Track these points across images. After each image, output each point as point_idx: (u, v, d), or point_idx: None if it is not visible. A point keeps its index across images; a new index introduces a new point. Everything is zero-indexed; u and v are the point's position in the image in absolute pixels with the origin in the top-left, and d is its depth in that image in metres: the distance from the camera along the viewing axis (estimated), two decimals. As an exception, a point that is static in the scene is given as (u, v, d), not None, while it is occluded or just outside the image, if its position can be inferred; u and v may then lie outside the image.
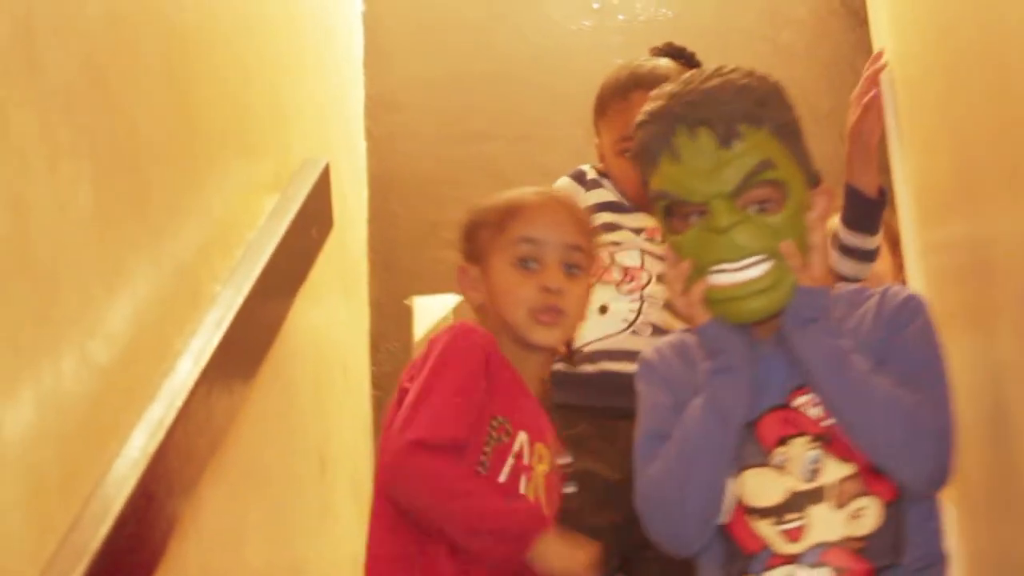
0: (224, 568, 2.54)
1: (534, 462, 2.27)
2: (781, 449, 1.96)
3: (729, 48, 4.42)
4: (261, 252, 2.75)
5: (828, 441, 1.94)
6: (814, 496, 1.92)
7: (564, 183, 3.01)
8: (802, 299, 1.96)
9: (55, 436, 1.88)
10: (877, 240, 2.85)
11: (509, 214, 2.37)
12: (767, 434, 1.97)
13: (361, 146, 4.37)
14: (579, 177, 3.01)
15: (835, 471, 1.92)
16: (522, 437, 2.27)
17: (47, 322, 1.88)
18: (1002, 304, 2.02)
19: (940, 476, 1.93)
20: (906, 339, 1.97)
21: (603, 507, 2.48)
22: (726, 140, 1.95)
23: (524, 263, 2.33)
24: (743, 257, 1.95)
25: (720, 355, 2.00)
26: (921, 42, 2.58)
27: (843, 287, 2.13)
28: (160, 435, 2.11)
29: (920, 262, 2.78)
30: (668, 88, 2.02)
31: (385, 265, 4.30)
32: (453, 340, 2.30)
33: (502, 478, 2.24)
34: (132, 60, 2.30)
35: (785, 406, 1.98)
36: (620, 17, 4.43)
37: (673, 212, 2.00)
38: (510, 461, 2.24)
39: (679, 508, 1.99)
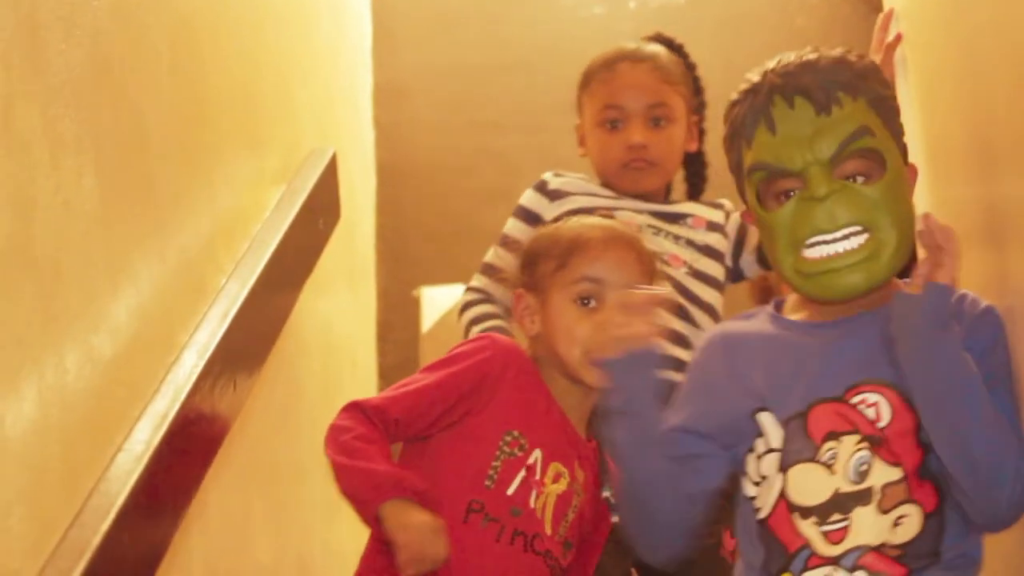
0: (229, 563, 2.54)
1: (547, 480, 2.27)
2: (830, 444, 1.92)
3: (742, 33, 4.42)
4: (267, 244, 2.74)
5: (878, 443, 1.91)
6: (860, 498, 1.89)
7: (529, 196, 2.95)
8: (937, 299, 1.88)
9: (58, 430, 1.88)
10: None
11: (573, 250, 2.35)
12: (817, 427, 1.93)
13: (369, 135, 4.37)
14: (542, 188, 2.95)
15: (883, 475, 1.89)
16: (537, 453, 2.27)
17: (51, 316, 1.88)
18: (1014, 267, 1.98)
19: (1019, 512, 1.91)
20: (994, 366, 1.93)
21: (613, 511, 2.47)
22: (824, 106, 1.93)
23: (584, 301, 2.32)
24: (840, 227, 1.92)
25: (617, 394, 1.99)
26: (935, 24, 2.57)
27: None
28: (164, 429, 2.10)
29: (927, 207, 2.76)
30: (762, 65, 2.02)
31: (393, 256, 4.30)
32: (470, 343, 2.33)
33: (511, 490, 2.24)
34: (138, 52, 2.29)
35: (841, 399, 1.94)
36: (631, 4, 4.42)
37: (766, 190, 1.97)
38: (521, 474, 2.25)
39: (641, 524, 2.04)
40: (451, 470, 2.20)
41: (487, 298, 2.83)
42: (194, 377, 2.23)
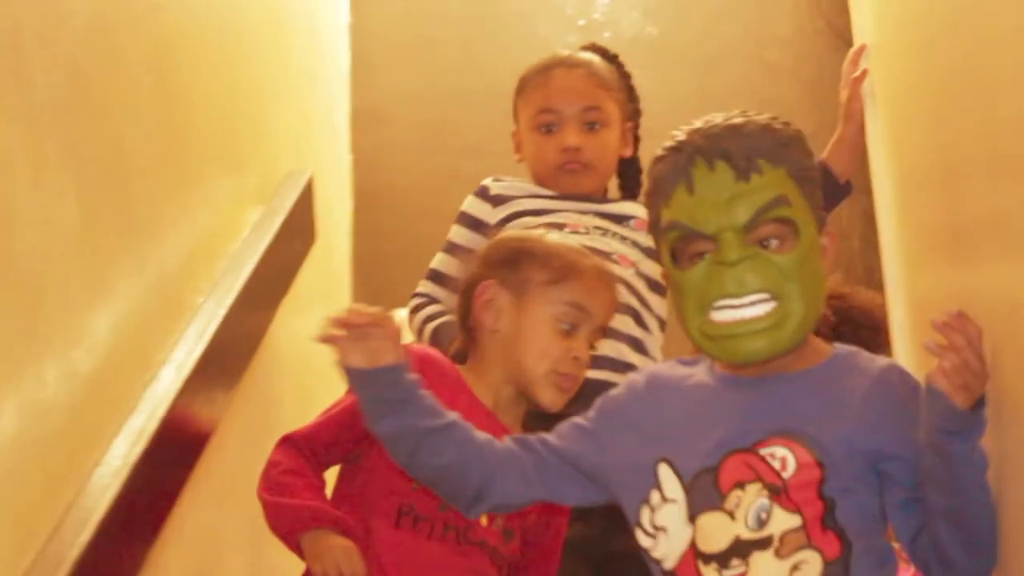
0: (205, 577, 2.55)
1: None
2: (736, 493, 1.93)
3: (715, 66, 4.45)
4: (244, 264, 2.76)
5: (778, 492, 1.92)
6: (758, 544, 1.91)
7: (470, 201, 2.98)
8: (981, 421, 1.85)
9: (37, 445, 1.89)
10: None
11: (570, 274, 2.39)
12: (727, 478, 1.94)
13: (346, 158, 4.39)
14: (483, 194, 2.98)
15: (782, 522, 1.91)
16: None
17: (31, 332, 1.90)
18: (984, 289, 2.00)
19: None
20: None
21: (575, 520, 2.50)
22: (744, 173, 1.93)
23: (565, 324, 2.37)
24: (748, 293, 1.92)
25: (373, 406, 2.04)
26: (908, 61, 2.61)
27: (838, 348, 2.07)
28: (142, 444, 2.13)
29: (897, 237, 2.79)
30: (689, 125, 2.03)
31: (369, 277, 4.32)
32: None
33: None
34: (119, 72, 2.31)
35: (750, 450, 1.95)
36: (606, 35, 4.45)
37: (679, 250, 1.98)
38: None
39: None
40: (379, 480, 2.24)
41: (432, 300, 2.85)
42: (172, 393, 2.26)
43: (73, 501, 1.97)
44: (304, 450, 2.32)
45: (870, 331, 3.40)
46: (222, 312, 2.54)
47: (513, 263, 2.40)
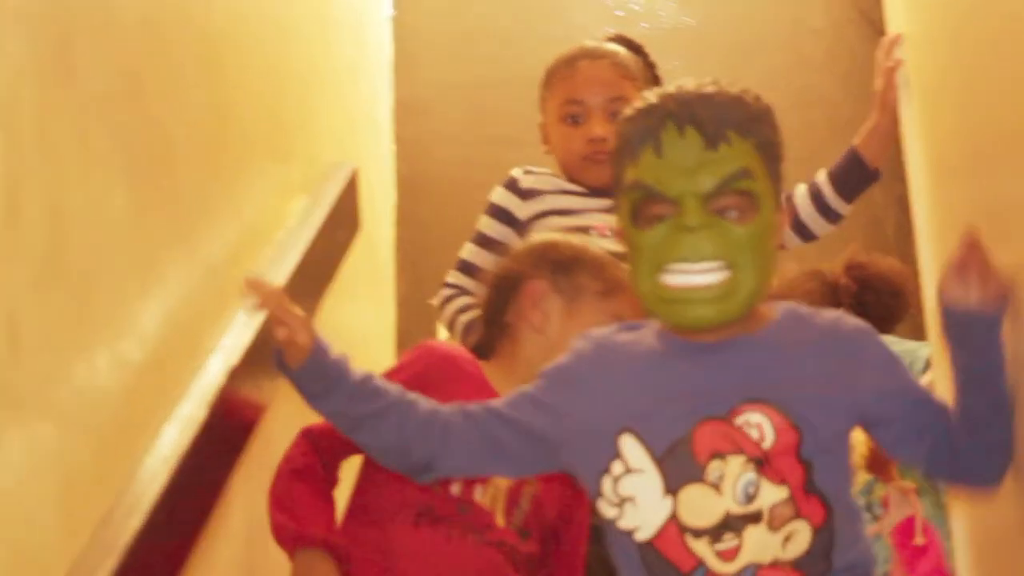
0: (252, 563, 2.58)
1: None
2: (716, 464, 1.93)
3: (750, 56, 4.47)
4: (290, 253, 2.79)
5: (763, 464, 1.94)
6: (751, 518, 1.91)
7: (499, 193, 3.00)
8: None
9: (88, 432, 1.92)
10: (849, 210, 2.90)
11: (619, 288, 2.42)
12: (702, 447, 1.94)
13: (390, 149, 4.41)
14: (512, 186, 3.00)
15: (770, 495, 1.91)
16: None
17: (82, 322, 1.93)
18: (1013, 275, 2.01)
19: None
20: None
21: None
22: (713, 142, 1.94)
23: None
24: (703, 260, 1.93)
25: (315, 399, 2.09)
26: (939, 50, 2.61)
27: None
28: (190, 432, 2.15)
29: (930, 223, 2.80)
30: (661, 89, 2.03)
31: (412, 266, 4.35)
32: (409, 353, 2.46)
33: (455, 489, 2.34)
34: (167, 66, 2.34)
35: (725, 419, 1.95)
36: (643, 25, 4.46)
37: (640, 210, 1.97)
38: None
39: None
40: (396, 479, 2.22)
41: (463, 293, 2.87)
42: (220, 381, 2.28)
43: (123, 488, 1.99)
44: (321, 444, 2.36)
45: (891, 296, 3.42)
46: (269, 301, 2.56)
47: (567, 269, 2.42)
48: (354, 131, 3.93)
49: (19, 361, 1.73)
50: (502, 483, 2.35)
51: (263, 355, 2.48)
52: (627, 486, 1.96)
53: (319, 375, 2.04)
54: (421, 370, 2.35)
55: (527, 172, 2.99)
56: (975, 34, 2.22)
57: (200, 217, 2.45)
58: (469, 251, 2.93)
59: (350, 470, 2.47)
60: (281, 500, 2.33)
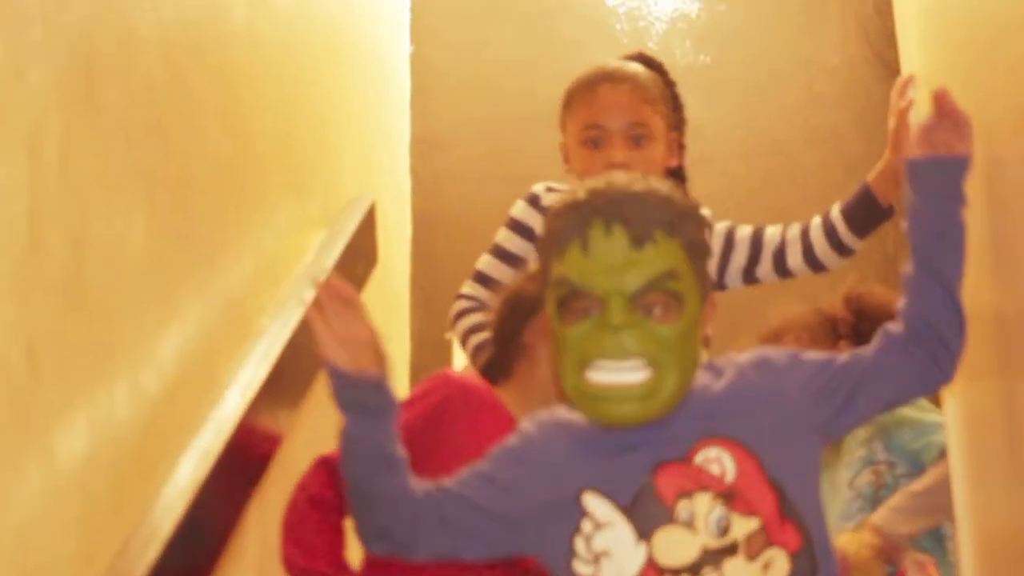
0: (267, 595, 2.58)
1: None
2: (684, 503, 1.94)
3: (765, 94, 4.48)
4: (308, 287, 2.80)
5: (731, 498, 1.94)
6: (727, 551, 1.92)
7: (520, 207, 3.01)
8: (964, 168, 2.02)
9: (107, 463, 1.93)
10: (862, 244, 2.91)
11: None
12: (667, 489, 1.95)
13: (406, 185, 4.43)
14: (534, 202, 3.02)
15: (742, 527, 1.92)
16: None
17: (101, 353, 1.94)
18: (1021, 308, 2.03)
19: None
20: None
21: None
22: (639, 241, 1.94)
23: None
24: (626, 358, 1.93)
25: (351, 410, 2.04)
26: (952, 90, 2.63)
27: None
28: (208, 463, 2.16)
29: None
30: (589, 185, 2.01)
31: (427, 300, 4.36)
32: (426, 383, 2.42)
33: None
34: (186, 101, 2.36)
35: (684, 460, 1.95)
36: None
37: (566, 304, 1.97)
38: None
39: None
40: None
41: (480, 307, 2.87)
42: (237, 413, 2.29)
43: (141, 520, 2.00)
44: (338, 473, 2.35)
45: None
46: (286, 334, 2.58)
47: None
48: (371, 166, 3.95)
49: (39, 390, 1.74)
50: None
51: (280, 388, 2.49)
52: (600, 541, 1.96)
53: (380, 396, 2.01)
54: (439, 400, 2.35)
55: (549, 189, 2.99)
56: (988, 74, 2.23)
57: (218, 250, 2.46)
58: (486, 263, 2.93)
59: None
60: (292, 530, 2.32)
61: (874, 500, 3.35)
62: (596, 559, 1.97)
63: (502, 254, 2.93)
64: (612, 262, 1.94)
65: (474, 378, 2.46)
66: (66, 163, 1.85)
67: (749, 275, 2.94)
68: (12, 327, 1.69)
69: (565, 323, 1.97)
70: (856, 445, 3.45)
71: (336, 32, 3.59)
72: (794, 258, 2.91)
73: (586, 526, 1.97)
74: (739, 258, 2.90)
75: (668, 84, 3.06)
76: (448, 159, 4.50)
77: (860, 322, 3.47)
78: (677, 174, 3.02)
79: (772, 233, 2.93)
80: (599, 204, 1.97)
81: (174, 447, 2.17)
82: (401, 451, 2.02)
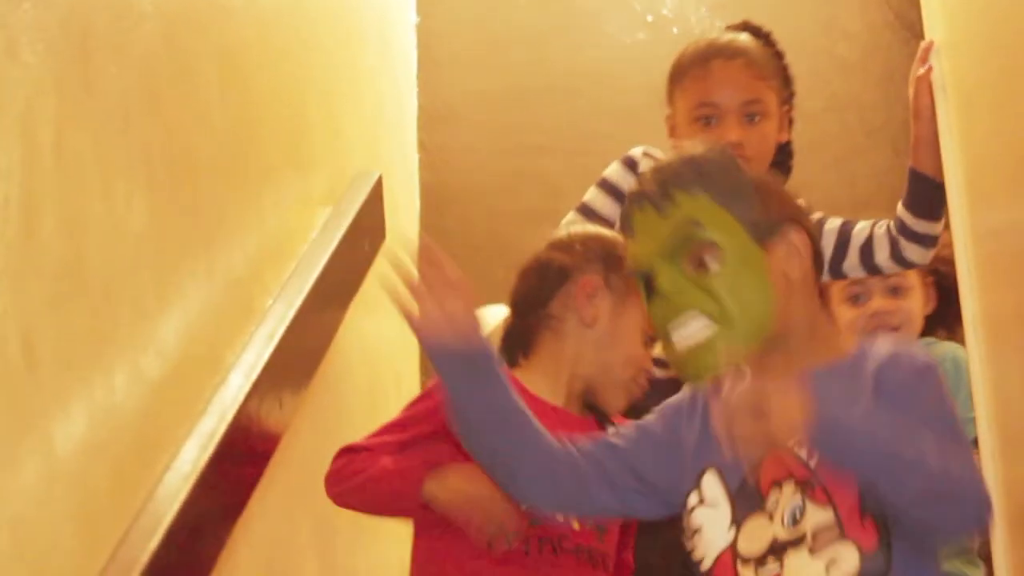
0: (274, 580, 2.56)
1: None
2: (774, 492, 1.97)
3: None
4: (313, 265, 2.77)
5: (811, 485, 1.94)
6: (793, 543, 1.93)
7: (615, 170, 2.97)
8: (821, 383, 1.87)
9: (107, 450, 1.90)
10: (941, 226, 2.86)
11: None
12: (765, 478, 1.98)
13: (414, 158, 4.39)
14: (631, 165, 2.97)
15: (814, 518, 1.92)
16: None
17: (101, 337, 1.91)
18: None
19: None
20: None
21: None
22: (661, 208, 2.03)
23: (648, 337, 2.42)
24: (685, 318, 2.00)
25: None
26: (975, 54, 2.58)
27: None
28: (211, 448, 2.13)
29: (969, 250, 2.77)
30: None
31: (437, 277, 4.32)
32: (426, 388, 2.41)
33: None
34: (187, 77, 2.32)
35: None
36: (674, 30, 4.43)
37: (645, 289, 2.06)
38: None
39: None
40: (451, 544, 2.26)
41: None
42: (241, 397, 2.26)
43: (143, 506, 1.97)
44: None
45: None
46: (291, 314, 2.55)
47: (620, 267, 2.40)
48: (377, 140, 3.91)
49: (36, 378, 1.71)
50: None
51: (285, 370, 2.46)
52: (696, 518, 2.04)
53: (492, 361, 2.03)
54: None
55: (646, 154, 2.95)
56: (1012, 36, 2.19)
57: (221, 229, 2.43)
58: (571, 222, 2.90)
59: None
60: (362, 469, 2.31)
61: None
62: (692, 535, 2.04)
63: (589, 213, 2.90)
64: (647, 235, 2.04)
65: None
66: (61, 144, 1.81)
67: (835, 269, 2.91)
68: (7, 313, 1.66)
69: (648, 303, 2.06)
70: None
71: (341, 3, 3.55)
72: (881, 254, 2.89)
73: (692, 500, 2.05)
74: (826, 251, 2.86)
75: (777, 55, 3.01)
76: (456, 132, 4.45)
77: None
78: (784, 149, 2.98)
79: (861, 227, 2.90)
80: (633, 192, 2.09)
81: (177, 432, 2.14)
82: (523, 403, 2.05)
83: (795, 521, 1.93)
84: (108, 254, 1.94)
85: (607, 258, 2.44)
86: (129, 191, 2.03)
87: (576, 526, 2.32)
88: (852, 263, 2.90)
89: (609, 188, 2.92)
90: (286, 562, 2.64)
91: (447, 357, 1.99)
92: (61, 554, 1.75)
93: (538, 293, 2.46)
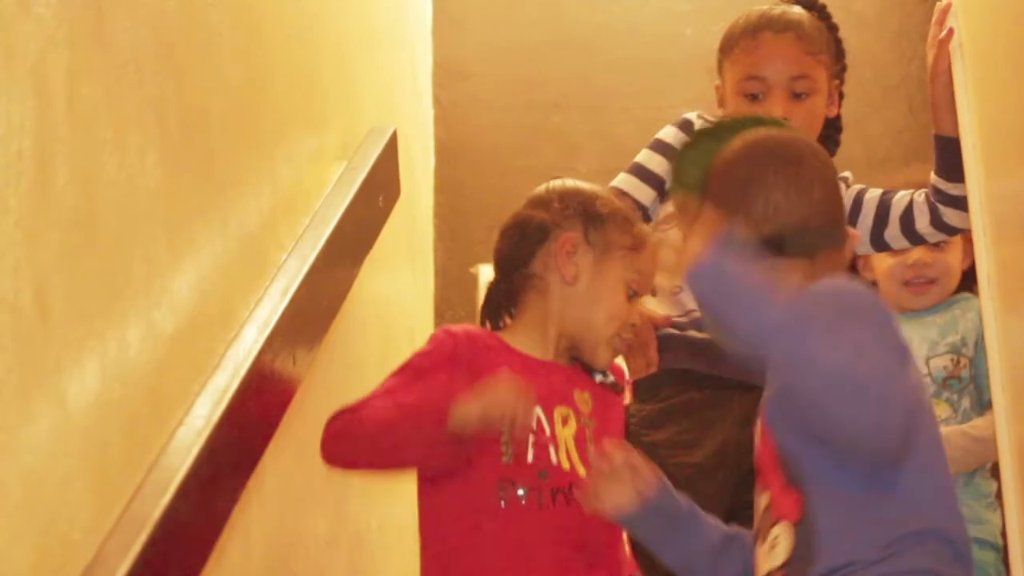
0: (287, 537, 2.56)
1: (557, 429, 2.30)
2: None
3: (801, 16, 4.40)
4: (327, 220, 2.76)
5: (760, 472, 1.97)
6: (754, 537, 1.97)
7: (669, 132, 2.96)
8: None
9: (120, 405, 1.90)
10: None
11: (643, 243, 2.45)
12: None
13: (429, 114, 4.38)
14: (686, 128, 2.95)
15: (762, 502, 1.95)
16: (536, 412, 2.30)
17: (114, 291, 1.90)
18: None
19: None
20: None
21: (715, 472, 2.53)
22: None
23: (632, 292, 2.41)
24: None
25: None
26: (991, 14, 2.56)
27: None
28: (224, 404, 2.12)
29: (983, 214, 2.76)
30: None
31: (451, 233, 4.32)
32: (430, 340, 2.43)
33: (530, 459, 2.31)
34: (200, 31, 2.31)
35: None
36: (689, -12, 4.41)
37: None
38: (531, 439, 2.30)
39: None
40: (467, 466, 2.25)
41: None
42: (254, 352, 2.25)
43: (156, 461, 1.96)
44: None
45: None
46: (305, 269, 2.54)
47: (599, 222, 2.40)
48: (392, 95, 3.89)
49: (49, 332, 1.70)
50: (567, 434, 2.33)
51: (299, 325, 2.45)
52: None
53: (676, 507, 2.12)
54: (450, 351, 2.35)
55: (701, 117, 2.94)
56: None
57: (235, 184, 2.41)
58: (623, 180, 2.90)
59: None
60: (374, 411, 2.29)
61: (942, 387, 3.26)
62: None
63: (642, 173, 2.89)
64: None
65: (473, 327, 2.44)
66: (74, 98, 1.80)
67: (877, 238, 2.90)
68: (20, 268, 1.65)
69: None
70: (948, 326, 3.30)
71: (356, -42, 3.53)
72: (922, 221, 2.88)
73: None
74: (866, 221, 2.86)
75: (831, 28, 2.98)
76: (472, 87, 4.44)
77: None
78: (833, 124, 2.97)
79: (900, 196, 2.89)
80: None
81: (190, 387, 2.13)
82: (723, 528, 2.14)
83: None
84: (121, 208, 1.93)
85: (586, 214, 2.43)
86: (142, 145, 2.01)
87: (583, 472, 2.33)
88: (893, 232, 2.89)
89: (663, 148, 2.91)
90: (298, 517, 2.64)
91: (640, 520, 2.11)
92: (73, 508, 1.75)
93: (519, 252, 2.45)
